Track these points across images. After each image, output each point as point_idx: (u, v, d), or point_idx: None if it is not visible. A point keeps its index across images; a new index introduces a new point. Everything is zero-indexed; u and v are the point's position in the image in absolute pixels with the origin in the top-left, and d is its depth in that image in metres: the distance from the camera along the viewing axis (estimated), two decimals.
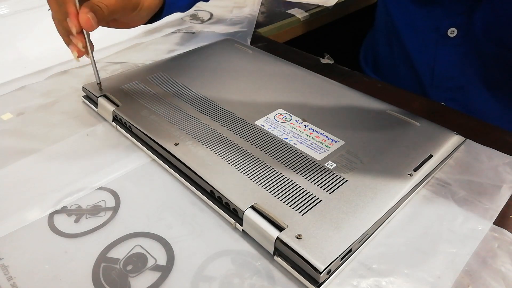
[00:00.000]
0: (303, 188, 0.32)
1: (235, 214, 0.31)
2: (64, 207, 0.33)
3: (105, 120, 0.43)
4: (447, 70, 0.55)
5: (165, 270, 0.29)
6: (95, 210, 0.33)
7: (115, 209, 0.33)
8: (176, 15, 0.67)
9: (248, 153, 0.35)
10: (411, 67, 0.59)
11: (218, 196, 0.32)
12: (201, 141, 0.37)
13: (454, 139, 0.38)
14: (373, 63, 0.69)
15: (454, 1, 0.52)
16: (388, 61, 0.64)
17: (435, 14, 0.54)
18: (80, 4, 0.38)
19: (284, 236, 0.28)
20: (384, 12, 0.63)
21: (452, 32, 0.53)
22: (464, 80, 0.55)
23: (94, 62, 0.42)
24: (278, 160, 0.35)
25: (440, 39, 0.54)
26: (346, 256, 0.28)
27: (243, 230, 0.31)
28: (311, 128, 0.39)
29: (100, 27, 0.41)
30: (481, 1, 0.50)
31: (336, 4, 0.75)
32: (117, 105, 0.42)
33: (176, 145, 0.36)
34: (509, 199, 0.34)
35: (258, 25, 0.65)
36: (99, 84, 0.44)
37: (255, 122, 0.39)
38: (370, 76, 0.66)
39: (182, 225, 0.32)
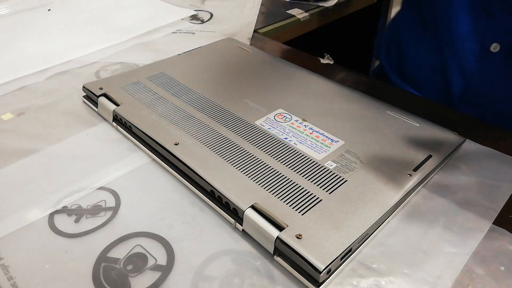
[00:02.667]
0: (303, 188, 0.32)
1: (235, 213, 0.31)
2: (64, 207, 0.33)
3: (105, 120, 0.43)
4: (483, 86, 0.53)
5: (165, 270, 0.29)
6: (95, 210, 0.33)
7: (115, 209, 0.33)
8: (176, 15, 0.67)
9: (248, 153, 0.35)
10: (442, 74, 0.56)
11: (218, 196, 0.32)
12: (201, 141, 0.37)
13: (454, 139, 0.38)
14: (398, 61, 0.65)
15: (503, 16, 0.49)
16: (415, 62, 0.61)
17: (481, 25, 0.51)
18: None
19: (284, 235, 0.28)
20: (422, 6, 0.59)
21: (495, 47, 0.50)
22: (498, 98, 0.52)
23: None
24: (278, 160, 0.35)
25: (481, 53, 0.52)
26: (346, 256, 0.29)
27: (243, 230, 0.31)
28: (311, 128, 0.39)
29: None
30: None
31: (336, 4, 0.75)
32: (117, 105, 0.42)
33: (176, 144, 0.36)
34: (509, 199, 0.34)
35: (258, 25, 0.65)
36: None
37: (255, 122, 0.39)
38: (385, 71, 0.64)
39: (182, 225, 0.32)
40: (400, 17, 0.65)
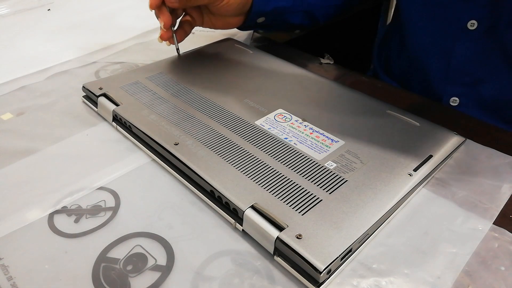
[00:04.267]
0: (303, 188, 0.32)
1: (235, 214, 0.31)
2: (64, 207, 0.33)
3: (105, 120, 0.43)
4: (464, 64, 0.53)
5: (165, 270, 0.29)
6: (95, 210, 0.33)
7: (115, 209, 0.33)
8: None
9: (248, 153, 0.35)
10: (425, 58, 0.56)
11: (218, 196, 0.32)
12: (201, 141, 0.37)
13: (454, 139, 0.38)
14: (385, 58, 0.66)
15: None
16: (401, 54, 0.62)
17: (456, 5, 0.51)
18: None
19: (284, 236, 0.28)
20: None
21: (472, 24, 0.50)
22: (482, 75, 0.53)
23: (174, 34, 0.49)
24: (278, 160, 0.35)
25: (459, 31, 0.51)
26: (346, 256, 0.28)
27: (243, 230, 0.31)
28: (311, 128, 0.39)
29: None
30: None
31: None
32: (117, 105, 0.42)
33: (176, 144, 0.36)
34: (509, 199, 0.34)
35: None
36: (178, 49, 0.50)
37: (255, 122, 0.39)
38: (377, 73, 0.65)
39: (182, 225, 0.32)
40: (389, 28, 0.66)
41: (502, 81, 0.51)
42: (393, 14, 0.68)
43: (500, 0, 0.48)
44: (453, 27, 0.52)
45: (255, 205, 0.30)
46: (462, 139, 0.38)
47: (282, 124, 0.39)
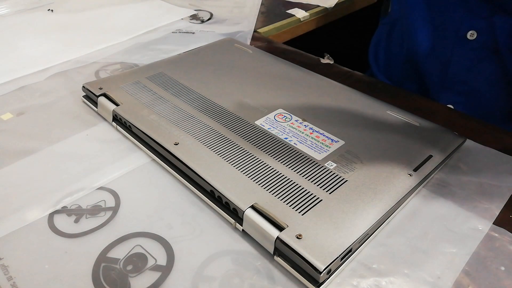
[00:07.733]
0: (303, 188, 0.32)
1: (235, 214, 0.31)
2: (64, 207, 0.33)
3: (105, 120, 0.43)
4: (461, 73, 0.54)
5: (165, 270, 0.29)
6: (95, 210, 0.33)
7: (115, 209, 0.33)
8: (176, 15, 0.67)
9: (248, 153, 0.35)
10: (423, 64, 0.57)
11: (218, 196, 0.32)
12: (201, 141, 0.37)
13: (454, 139, 0.38)
14: (384, 60, 0.67)
15: (478, 3, 0.50)
16: (398, 57, 0.62)
17: (457, 14, 0.52)
18: None
19: (284, 236, 0.28)
20: (398, 5, 0.60)
21: (472, 35, 0.51)
22: (478, 85, 0.53)
23: None
24: (278, 160, 0.35)
25: (458, 40, 0.52)
26: (346, 256, 0.28)
27: (243, 230, 0.31)
28: (311, 128, 0.39)
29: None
30: (500, 6, 0.48)
31: (336, 4, 0.75)
32: (117, 105, 0.42)
33: (176, 144, 0.36)
34: (509, 199, 0.34)
35: (258, 25, 0.65)
36: None
37: (255, 122, 0.39)
38: (373, 73, 0.65)
39: (182, 225, 0.32)
40: (388, 20, 0.66)
41: (498, 93, 0.52)
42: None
43: (495, 14, 0.48)
44: (453, 36, 0.53)
45: (255, 205, 0.30)
46: (462, 139, 0.38)
47: (282, 124, 0.39)
